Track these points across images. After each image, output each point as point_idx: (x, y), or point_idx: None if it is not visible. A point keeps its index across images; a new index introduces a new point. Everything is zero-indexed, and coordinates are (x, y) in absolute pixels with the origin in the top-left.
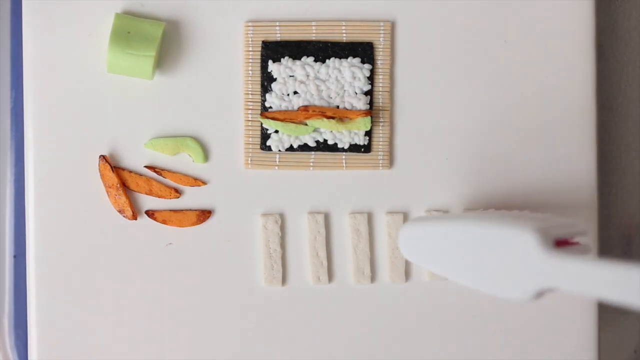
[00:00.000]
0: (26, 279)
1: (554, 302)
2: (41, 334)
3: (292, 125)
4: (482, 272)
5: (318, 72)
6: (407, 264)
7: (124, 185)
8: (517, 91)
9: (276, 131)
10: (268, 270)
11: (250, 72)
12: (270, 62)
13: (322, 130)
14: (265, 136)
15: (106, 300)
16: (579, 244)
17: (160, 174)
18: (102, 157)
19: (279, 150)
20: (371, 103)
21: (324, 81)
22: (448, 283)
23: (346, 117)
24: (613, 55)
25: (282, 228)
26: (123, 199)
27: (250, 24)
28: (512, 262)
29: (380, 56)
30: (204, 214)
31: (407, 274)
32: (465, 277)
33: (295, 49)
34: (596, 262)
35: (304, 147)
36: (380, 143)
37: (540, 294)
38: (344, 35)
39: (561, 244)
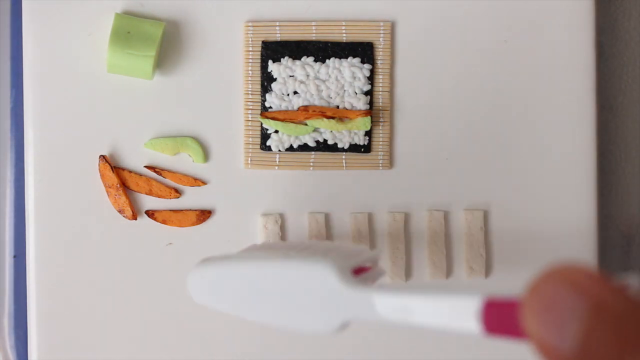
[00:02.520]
0: (26, 279)
1: None
2: (41, 334)
3: (292, 125)
4: (283, 310)
5: (318, 72)
6: (408, 264)
7: (124, 185)
8: (517, 91)
9: (276, 131)
10: None
11: (250, 72)
12: (270, 62)
13: (322, 130)
14: (265, 136)
15: (106, 300)
16: (372, 268)
17: (160, 174)
18: (102, 157)
19: (279, 150)
20: (371, 103)
21: (324, 81)
22: (448, 283)
23: (346, 117)
24: (613, 55)
25: (282, 228)
26: (123, 199)
27: (250, 24)
28: (313, 297)
29: (380, 56)
30: (204, 214)
31: (408, 274)
32: (266, 316)
33: (295, 49)
34: (393, 289)
35: (304, 147)
36: (380, 143)
37: (344, 325)
38: (344, 35)
39: (358, 271)
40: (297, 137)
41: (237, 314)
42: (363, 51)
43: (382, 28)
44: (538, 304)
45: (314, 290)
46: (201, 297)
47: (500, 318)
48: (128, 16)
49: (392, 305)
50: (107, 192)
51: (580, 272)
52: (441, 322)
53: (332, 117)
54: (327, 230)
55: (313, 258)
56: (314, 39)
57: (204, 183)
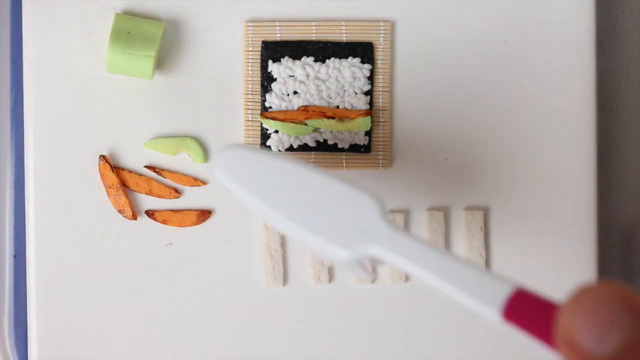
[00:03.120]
0: (26, 279)
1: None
2: (41, 334)
3: (292, 125)
4: (312, 219)
5: (318, 72)
6: None
7: (124, 185)
8: (517, 91)
9: (276, 131)
10: (269, 271)
11: (250, 72)
12: (270, 62)
13: (322, 130)
14: (265, 136)
15: (106, 300)
16: None
17: (160, 174)
18: (102, 157)
19: (279, 150)
20: (371, 103)
21: (324, 81)
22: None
23: (346, 117)
24: (613, 55)
25: None
26: (123, 199)
27: (250, 24)
28: (348, 220)
29: (380, 56)
30: (204, 214)
31: (407, 274)
32: (292, 218)
33: (295, 49)
34: (427, 244)
35: (304, 147)
36: (380, 143)
37: (363, 260)
38: (344, 35)
39: None
40: (297, 137)
41: (261, 205)
42: (363, 51)
43: (382, 28)
44: (584, 307)
45: (352, 215)
46: (228, 176)
47: (525, 310)
48: (128, 16)
49: (422, 258)
50: (107, 192)
51: (632, 291)
52: (463, 295)
53: (332, 117)
54: None
55: (361, 187)
56: (314, 39)
57: (204, 183)
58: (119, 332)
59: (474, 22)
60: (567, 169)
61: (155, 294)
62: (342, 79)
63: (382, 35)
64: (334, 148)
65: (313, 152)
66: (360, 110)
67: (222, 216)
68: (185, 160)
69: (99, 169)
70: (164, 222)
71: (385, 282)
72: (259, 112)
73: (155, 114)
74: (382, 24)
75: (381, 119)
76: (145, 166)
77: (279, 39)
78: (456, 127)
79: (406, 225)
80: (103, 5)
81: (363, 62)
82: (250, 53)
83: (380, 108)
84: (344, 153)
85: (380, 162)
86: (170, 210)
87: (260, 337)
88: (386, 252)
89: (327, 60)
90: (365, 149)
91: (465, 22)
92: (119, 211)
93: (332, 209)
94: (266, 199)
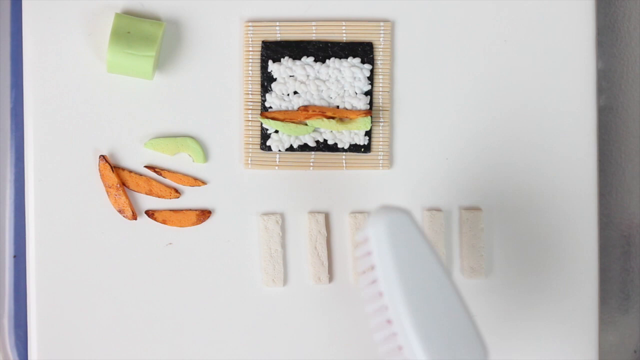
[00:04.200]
0: (26, 279)
1: (554, 302)
2: (41, 334)
3: (292, 125)
4: (425, 328)
5: (318, 72)
6: None
7: (124, 185)
8: (517, 91)
9: (276, 131)
10: (269, 271)
11: (250, 72)
12: (270, 62)
13: (322, 130)
14: (265, 136)
15: (106, 300)
16: None
17: (160, 174)
18: (102, 157)
19: (279, 150)
20: (371, 103)
21: (324, 81)
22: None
23: (346, 117)
24: (613, 55)
25: (282, 228)
26: (123, 199)
27: (250, 24)
28: (455, 354)
29: (380, 56)
30: (204, 214)
31: None
32: (412, 315)
33: (295, 49)
34: None
35: (304, 147)
36: (380, 143)
37: None
38: (344, 35)
39: None
40: (297, 137)
41: (394, 283)
42: (363, 51)
43: (382, 28)
44: None
45: (460, 352)
46: (385, 240)
47: None
48: (128, 16)
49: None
50: (107, 192)
51: None
52: None
53: (332, 117)
54: (327, 230)
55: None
56: (314, 39)
57: (204, 183)
58: (118, 332)
59: (474, 22)
60: (567, 169)
61: (155, 293)
62: (342, 79)
63: (382, 35)
64: (334, 148)
65: (313, 152)
66: (360, 110)
67: (222, 216)
68: (185, 160)
69: (99, 169)
70: (164, 222)
71: None
72: (259, 112)
73: (155, 114)
74: (382, 24)
75: (381, 119)
76: (145, 166)
77: (279, 39)
78: (456, 127)
79: None
80: (103, 5)
81: (363, 62)
82: (250, 53)
83: (380, 108)
84: (344, 153)
85: (380, 162)
86: (170, 210)
87: (260, 336)
88: None
89: (327, 60)
90: (365, 149)
91: (465, 22)
92: (119, 211)
93: (449, 335)
94: (404, 281)
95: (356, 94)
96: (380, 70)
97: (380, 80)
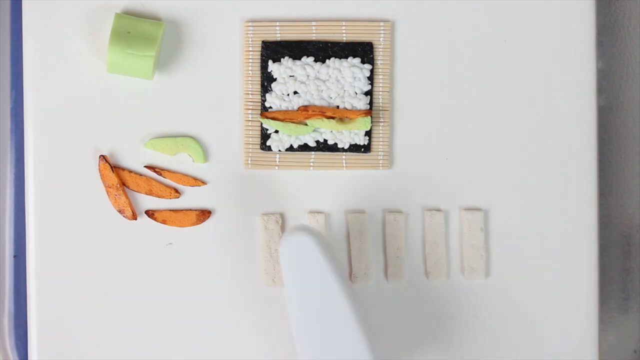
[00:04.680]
0: (26, 279)
1: (555, 302)
2: (41, 334)
3: (292, 125)
4: (314, 347)
5: (318, 72)
6: (408, 265)
7: (124, 185)
8: (517, 91)
9: (276, 131)
10: (269, 271)
11: (250, 72)
12: (270, 62)
13: (322, 130)
14: (265, 136)
15: (106, 300)
16: None
17: (160, 174)
18: (102, 157)
19: (279, 150)
20: (371, 103)
21: (324, 81)
22: (448, 283)
23: (346, 117)
24: (613, 55)
25: (282, 228)
26: (123, 199)
27: (250, 24)
28: None
29: (380, 56)
30: (204, 214)
31: (407, 274)
32: (305, 333)
33: (295, 49)
34: None
35: (304, 147)
36: (380, 143)
37: None
38: (344, 35)
39: None
40: (297, 137)
41: (293, 301)
42: (363, 51)
43: (382, 28)
44: None
45: None
46: (291, 263)
47: None
48: (128, 16)
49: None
50: (107, 192)
51: None
52: None
53: (332, 117)
54: (327, 230)
55: None
56: (314, 39)
57: (204, 183)
58: (118, 332)
59: (474, 22)
60: (567, 169)
61: (155, 293)
62: (342, 79)
63: (382, 35)
64: (334, 148)
65: (313, 152)
66: (360, 110)
67: (222, 216)
68: (185, 160)
69: (99, 169)
70: (164, 222)
71: (386, 282)
72: (259, 112)
73: (155, 114)
74: (382, 24)
75: (381, 119)
76: (145, 166)
77: (279, 39)
78: (456, 127)
79: (406, 226)
80: (103, 5)
81: (363, 62)
82: (250, 53)
83: (380, 108)
84: (344, 153)
85: (380, 162)
86: (170, 210)
87: (260, 336)
88: None
89: (327, 61)
90: (365, 149)
91: (465, 22)
92: (119, 211)
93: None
94: (300, 302)
95: (356, 94)
96: (380, 70)
97: (380, 80)
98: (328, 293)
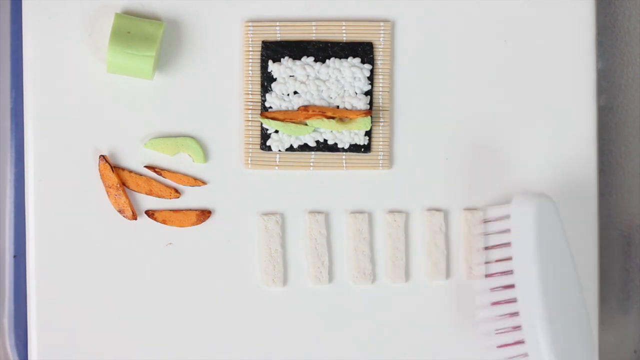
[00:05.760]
0: (26, 279)
1: None
2: (41, 334)
3: (292, 125)
4: (551, 312)
5: (318, 72)
6: (408, 265)
7: (124, 185)
8: (517, 91)
9: (276, 131)
10: (269, 271)
11: (250, 72)
12: (270, 62)
13: (322, 130)
14: (265, 136)
15: (106, 300)
16: None
17: (160, 174)
18: (102, 157)
19: (279, 150)
20: (371, 103)
21: (324, 81)
22: (448, 283)
23: (346, 117)
24: (613, 55)
25: (282, 228)
26: (123, 199)
27: (250, 24)
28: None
29: (380, 56)
30: (204, 214)
31: (407, 274)
32: (542, 296)
33: (295, 49)
34: None
35: (304, 147)
36: (380, 143)
37: None
38: (344, 35)
39: None
40: (297, 137)
41: (532, 262)
42: (363, 51)
43: (382, 28)
44: None
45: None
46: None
47: None
48: (128, 16)
49: None
50: (107, 192)
51: None
52: None
53: (332, 117)
54: (327, 230)
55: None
56: (314, 39)
57: (204, 183)
58: (118, 332)
59: (474, 22)
60: (567, 169)
61: (155, 293)
62: (342, 79)
63: (382, 35)
64: (333, 148)
65: (313, 152)
66: (360, 110)
67: (222, 216)
68: (185, 160)
69: (99, 169)
70: (164, 222)
71: (385, 282)
72: (259, 112)
73: (155, 114)
74: (382, 24)
75: (381, 119)
76: (145, 166)
77: (279, 39)
78: (456, 127)
79: (406, 226)
80: (103, 5)
81: (363, 62)
82: (250, 53)
83: (380, 108)
84: (344, 153)
85: (380, 162)
86: (170, 210)
87: (260, 336)
88: None
89: (327, 61)
90: (365, 149)
91: (465, 22)
92: (119, 211)
93: (570, 330)
94: (541, 265)
95: (356, 94)
96: (380, 70)
97: (380, 80)
98: (561, 252)
